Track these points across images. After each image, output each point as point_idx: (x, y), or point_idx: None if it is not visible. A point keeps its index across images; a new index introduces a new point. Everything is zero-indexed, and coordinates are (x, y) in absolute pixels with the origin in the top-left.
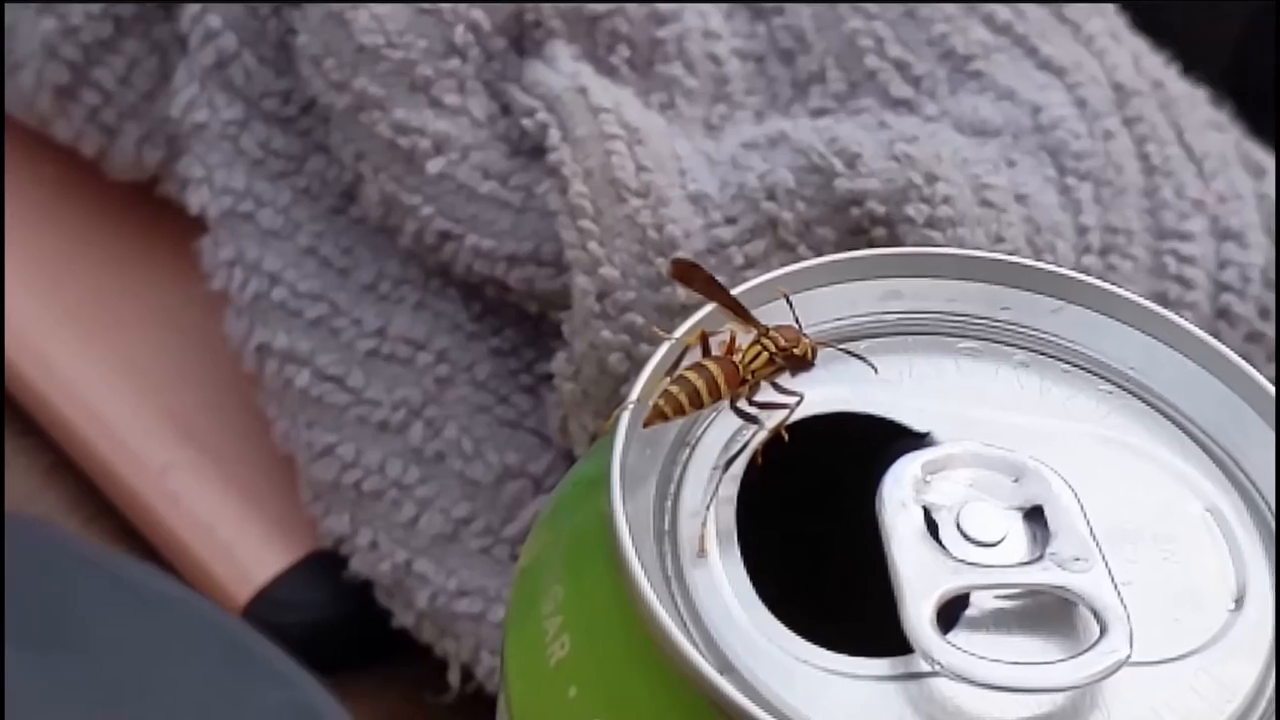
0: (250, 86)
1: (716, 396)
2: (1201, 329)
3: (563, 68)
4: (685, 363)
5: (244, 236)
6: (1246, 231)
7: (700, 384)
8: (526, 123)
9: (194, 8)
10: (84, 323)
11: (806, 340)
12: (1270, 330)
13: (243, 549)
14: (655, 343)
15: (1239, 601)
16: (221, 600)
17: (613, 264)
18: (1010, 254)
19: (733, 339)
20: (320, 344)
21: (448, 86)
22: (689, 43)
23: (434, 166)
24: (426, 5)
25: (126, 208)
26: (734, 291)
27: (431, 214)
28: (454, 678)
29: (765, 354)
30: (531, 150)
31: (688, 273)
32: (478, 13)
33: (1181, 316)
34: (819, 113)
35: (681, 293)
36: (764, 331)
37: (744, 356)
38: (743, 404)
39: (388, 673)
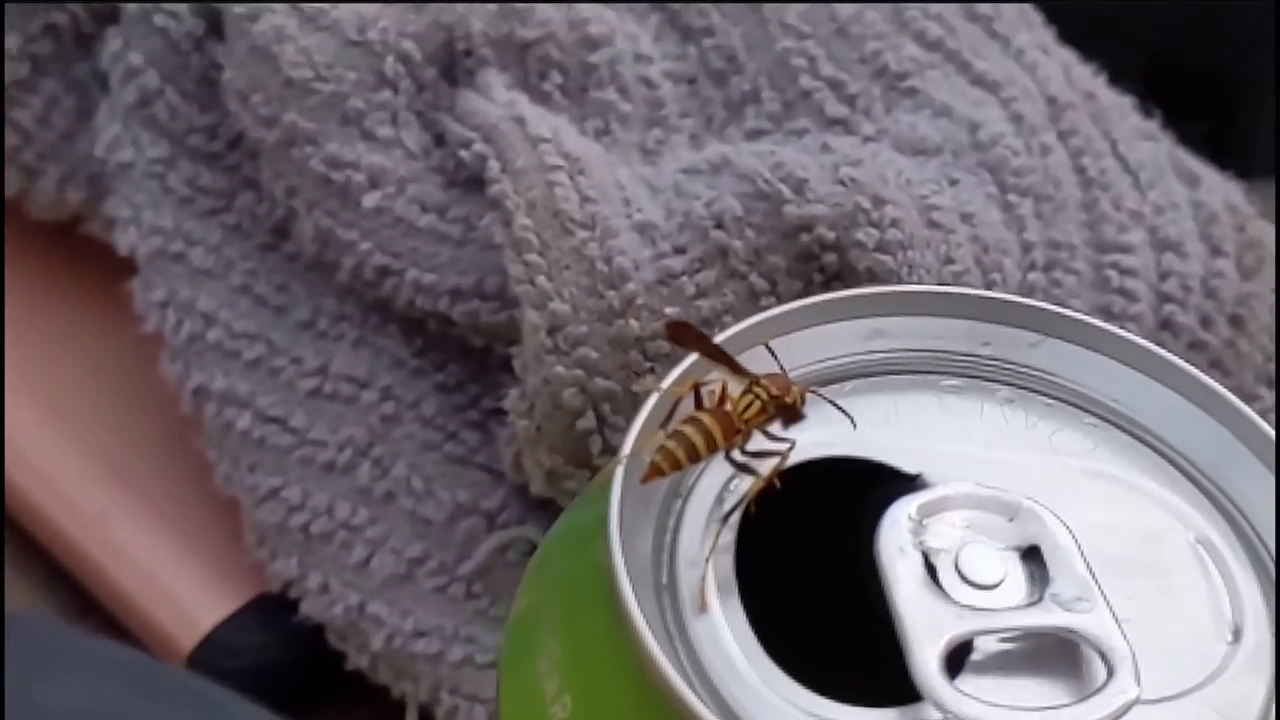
0: (175, 123)
1: (713, 449)
2: (1145, 340)
3: (497, 96)
4: (679, 413)
5: (175, 277)
6: (1184, 241)
7: (698, 439)
8: (463, 154)
9: (114, 45)
10: (13, 370)
11: (796, 389)
12: (1212, 339)
13: (186, 595)
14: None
15: (1236, 634)
16: (166, 648)
17: (562, 298)
18: (960, 274)
19: (724, 389)
20: (260, 385)
21: (380, 119)
22: (621, 66)
23: (370, 201)
24: (355, 36)
25: (51, 248)
26: (718, 339)
27: (369, 249)
28: (412, 719)
29: (758, 403)
30: (468, 181)
31: (680, 333)
32: (408, 43)
33: (1126, 329)
34: (755, 134)
35: (635, 325)
36: (754, 380)
37: (737, 407)
38: (737, 454)
39: (342, 716)
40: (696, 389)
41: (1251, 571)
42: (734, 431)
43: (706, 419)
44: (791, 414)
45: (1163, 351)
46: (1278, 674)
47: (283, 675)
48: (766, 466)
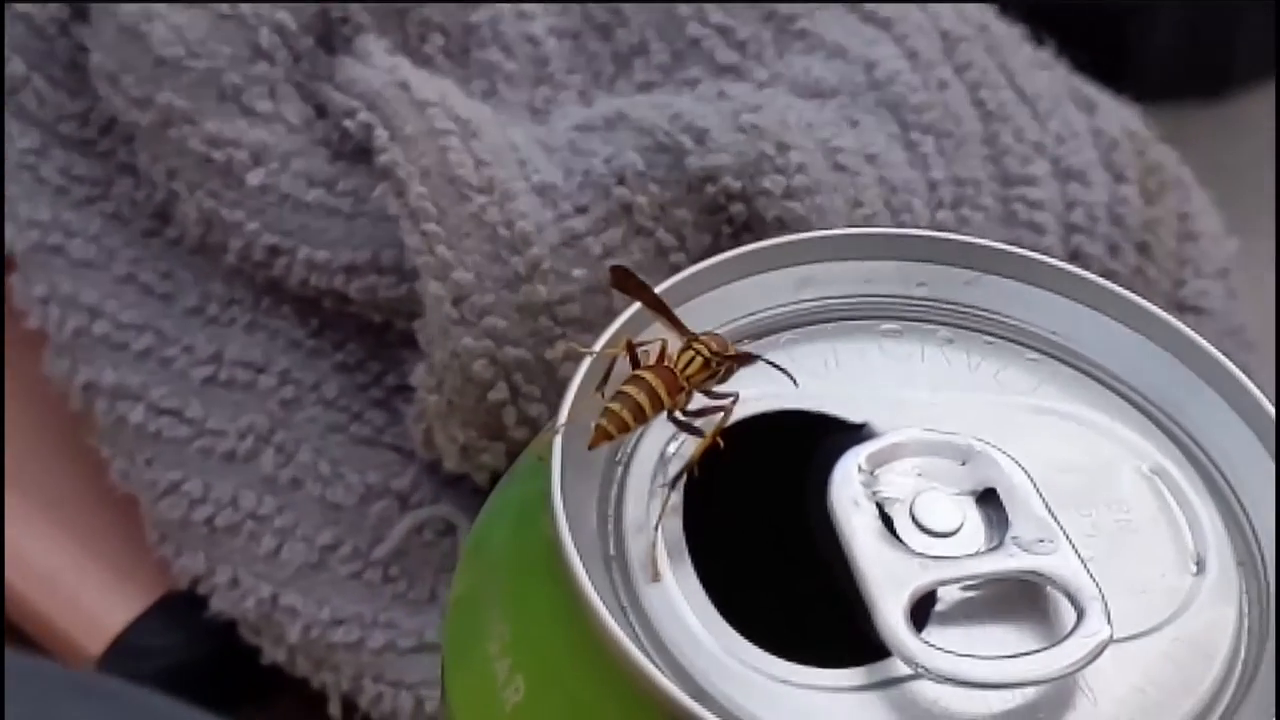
0: (44, 111)
1: (659, 409)
2: None
3: (378, 63)
4: (615, 376)
5: (55, 270)
6: (1088, 170)
7: (643, 399)
8: (348, 124)
9: None
10: None
11: (734, 349)
12: (1120, 267)
13: (89, 599)
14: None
15: (1200, 564)
16: (74, 655)
17: (465, 266)
18: (870, 217)
19: (662, 347)
20: (152, 376)
21: (258, 93)
22: (503, 25)
23: (254, 178)
24: (226, 9)
25: None
26: (658, 289)
27: (257, 229)
28: (335, 710)
29: (699, 359)
30: (355, 152)
31: (624, 279)
32: (282, 13)
33: None
34: (645, 86)
35: (543, 290)
36: (693, 337)
37: (678, 364)
38: (679, 414)
39: (261, 714)
40: (632, 349)
41: (1210, 499)
42: (678, 389)
43: (650, 377)
44: (732, 367)
45: (1101, 280)
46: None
47: (196, 675)
48: (710, 424)
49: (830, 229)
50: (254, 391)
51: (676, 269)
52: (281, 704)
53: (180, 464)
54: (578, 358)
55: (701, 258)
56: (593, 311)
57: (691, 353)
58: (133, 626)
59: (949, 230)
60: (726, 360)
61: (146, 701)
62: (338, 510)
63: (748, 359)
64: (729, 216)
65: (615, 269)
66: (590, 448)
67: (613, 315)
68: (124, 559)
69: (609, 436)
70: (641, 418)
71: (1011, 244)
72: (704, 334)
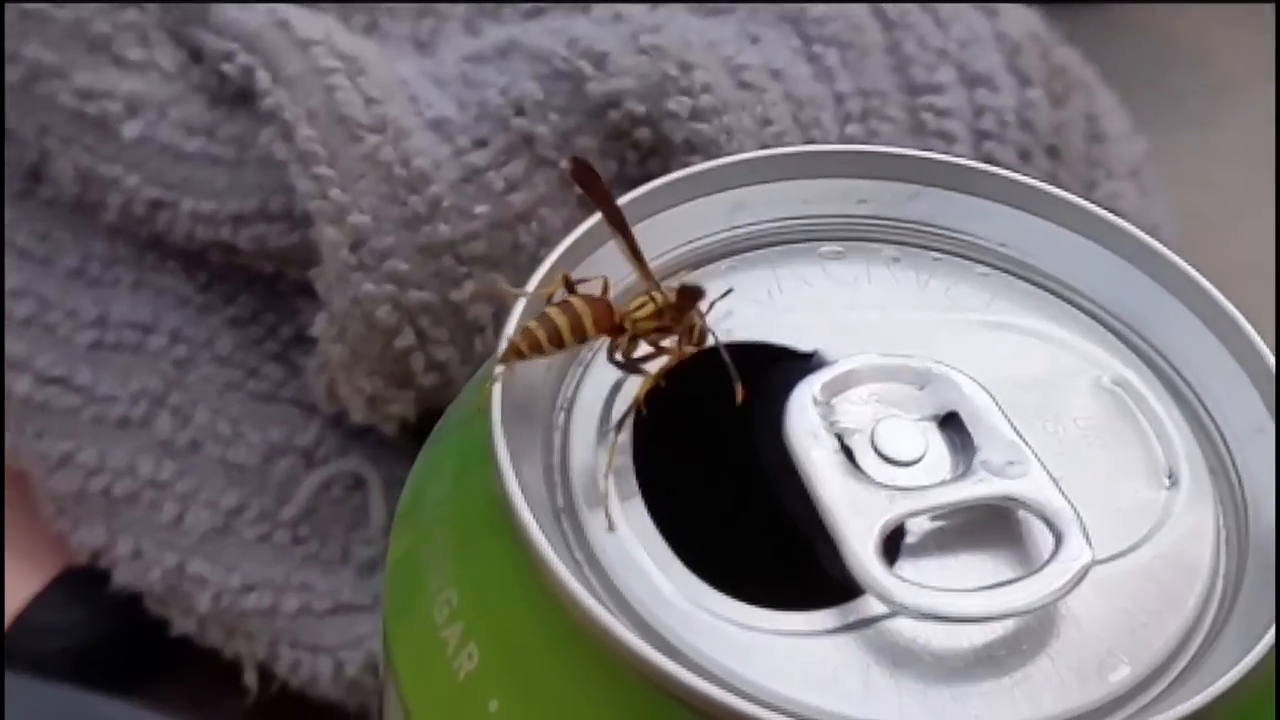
0: None
1: (581, 338)
2: None
3: (255, 3)
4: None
5: None
6: (994, 75)
7: (563, 321)
8: (226, 68)
9: None
10: None
11: (699, 320)
12: (1033, 172)
13: None
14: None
15: (1172, 476)
16: None
17: (361, 209)
18: (780, 134)
19: (605, 285)
20: (35, 344)
21: (129, 41)
22: None
23: (131, 131)
24: None
25: None
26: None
27: (137, 183)
28: (251, 679)
29: (651, 305)
30: (236, 97)
31: (586, 176)
32: None
33: None
34: (533, 13)
35: (445, 229)
36: (655, 285)
37: (632, 305)
38: (619, 356)
39: (174, 687)
40: (569, 283)
41: (1175, 408)
42: (611, 325)
43: (579, 304)
44: (684, 313)
45: (1050, 188)
46: None
47: (103, 652)
48: (654, 366)
49: (741, 149)
50: (144, 353)
51: (583, 199)
52: (194, 677)
53: (72, 434)
54: (512, 300)
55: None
56: (499, 249)
57: (646, 298)
58: (32, 605)
59: (858, 143)
60: (682, 318)
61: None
62: (240, 471)
63: (705, 333)
64: (634, 142)
65: (576, 161)
66: (500, 361)
67: (520, 251)
68: (19, 537)
69: (520, 354)
70: (558, 343)
71: None
72: (681, 287)
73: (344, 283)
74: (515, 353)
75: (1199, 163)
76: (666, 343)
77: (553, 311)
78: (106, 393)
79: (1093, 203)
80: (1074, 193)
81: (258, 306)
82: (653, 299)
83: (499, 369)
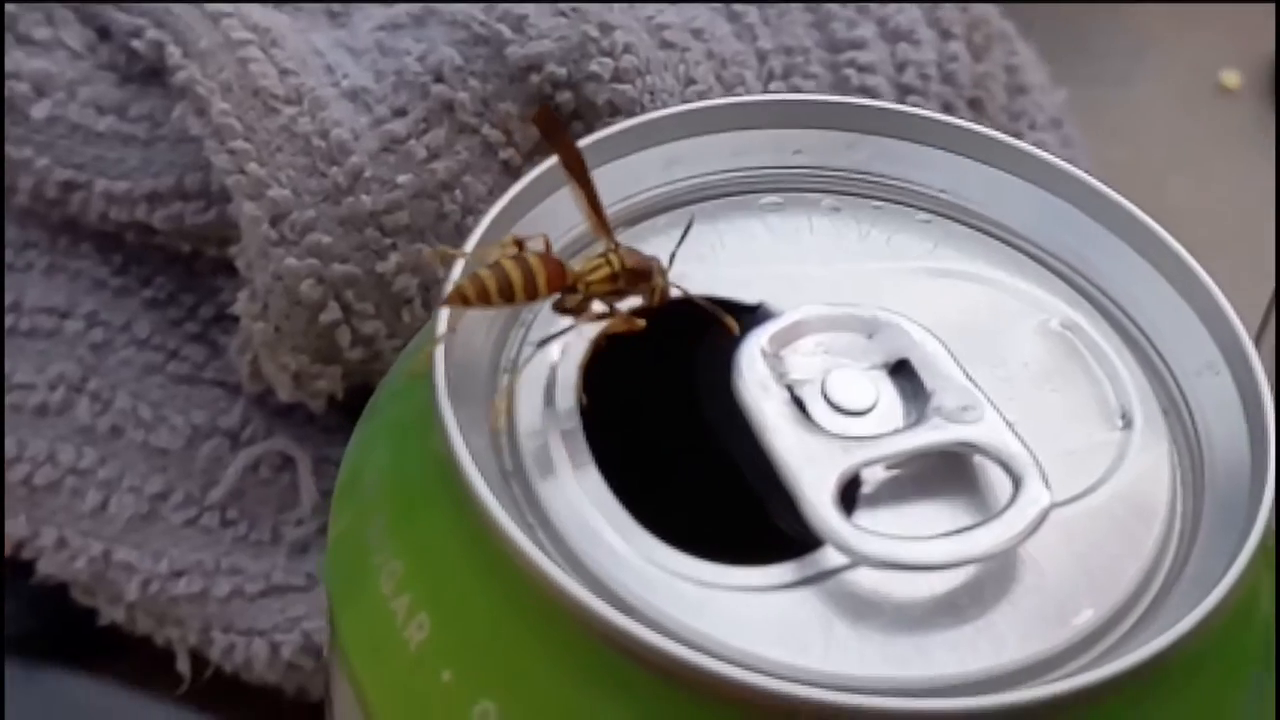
0: None
1: (532, 295)
2: None
3: None
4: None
5: None
6: (915, 28)
7: (516, 275)
8: (135, 44)
9: None
10: None
11: (661, 280)
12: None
13: None
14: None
15: (1125, 417)
16: None
17: (280, 183)
18: (704, 94)
19: (546, 244)
20: None
21: (34, 20)
22: None
23: (39, 111)
24: None
25: None
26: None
27: (48, 164)
28: (184, 665)
29: (606, 269)
30: (146, 74)
31: (550, 124)
32: None
33: None
34: None
35: (367, 200)
36: (613, 247)
37: (585, 267)
38: (569, 304)
39: (103, 676)
40: (519, 244)
41: (1125, 348)
42: (562, 284)
43: (534, 261)
44: (640, 284)
45: (989, 131)
46: None
47: (27, 645)
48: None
49: (665, 109)
50: (60, 338)
51: (507, 165)
52: (124, 666)
53: None
54: (449, 260)
55: (533, 152)
56: (422, 218)
57: (602, 259)
58: None
59: None
60: (637, 285)
61: None
62: (164, 455)
63: (665, 295)
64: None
65: (544, 109)
66: (445, 304)
67: (444, 220)
68: None
69: (465, 300)
70: (507, 295)
71: None
72: (633, 250)
73: (265, 258)
74: (460, 298)
75: (1119, 119)
76: (621, 305)
77: (508, 264)
78: (23, 380)
79: None
80: None
81: (176, 287)
82: (609, 262)
83: (441, 329)
